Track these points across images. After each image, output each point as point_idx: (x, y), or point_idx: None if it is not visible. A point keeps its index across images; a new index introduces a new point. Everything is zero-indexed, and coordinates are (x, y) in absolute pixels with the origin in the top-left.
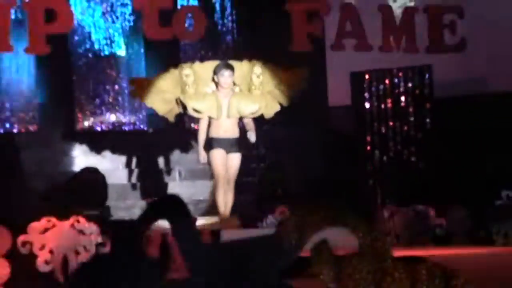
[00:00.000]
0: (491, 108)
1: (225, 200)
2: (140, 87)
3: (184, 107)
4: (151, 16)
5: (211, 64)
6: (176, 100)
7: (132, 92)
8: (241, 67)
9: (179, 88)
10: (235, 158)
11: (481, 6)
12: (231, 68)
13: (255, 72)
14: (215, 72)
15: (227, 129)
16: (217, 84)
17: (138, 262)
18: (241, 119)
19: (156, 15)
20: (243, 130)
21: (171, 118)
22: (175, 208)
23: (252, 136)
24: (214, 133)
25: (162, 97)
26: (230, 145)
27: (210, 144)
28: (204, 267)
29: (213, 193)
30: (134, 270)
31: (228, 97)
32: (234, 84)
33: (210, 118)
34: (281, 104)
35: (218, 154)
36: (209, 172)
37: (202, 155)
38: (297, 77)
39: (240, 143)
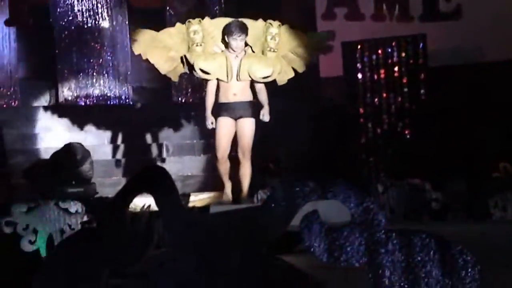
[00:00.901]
0: (488, 78)
1: (241, 174)
2: (144, 41)
3: (191, 67)
4: None
5: (222, 21)
6: (182, 58)
7: (135, 45)
8: (255, 26)
9: (185, 46)
10: (247, 124)
11: None
12: (244, 30)
13: (270, 32)
14: (226, 32)
15: (236, 92)
16: (227, 44)
17: (121, 237)
18: (252, 84)
19: None
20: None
21: (175, 78)
22: (159, 180)
23: (265, 116)
24: (223, 98)
25: (167, 55)
26: (241, 110)
27: (217, 110)
28: (189, 241)
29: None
30: (116, 245)
31: (239, 59)
32: (246, 44)
33: (218, 81)
34: (295, 71)
35: (224, 123)
36: (197, 147)
37: (210, 119)
38: (316, 41)
39: (253, 107)
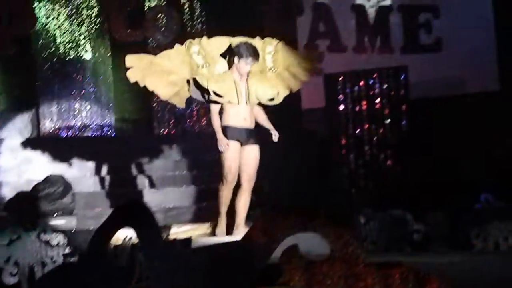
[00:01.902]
0: (468, 109)
1: (240, 204)
2: (140, 67)
3: (201, 90)
4: (119, 17)
5: (219, 41)
6: (188, 81)
7: (130, 72)
8: (254, 44)
9: (187, 68)
10: (254, 151)
11: (457, 5)
12: (257, 55)
13: (268, 50)
14: (237, 54)
15: (246, 117)
16: (230, 64)
17: (103, 270)
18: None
19: (125, 16)
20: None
21: (180, 103)
22: (139, 215)
23: (275, 136)
24: (232, 121)
25: (167, 79)
26: (249, 135)
27: (225, 134)
28: (170, 275)
29: (218, 195)
30: (99, 279)
31: (244, 80)
32: None
33: (224, 104)
34: (290, 90)
35: (234, 147)
36: (179, 179)
37: (225, 141)
38: (312, 60)
39: (257, 134)
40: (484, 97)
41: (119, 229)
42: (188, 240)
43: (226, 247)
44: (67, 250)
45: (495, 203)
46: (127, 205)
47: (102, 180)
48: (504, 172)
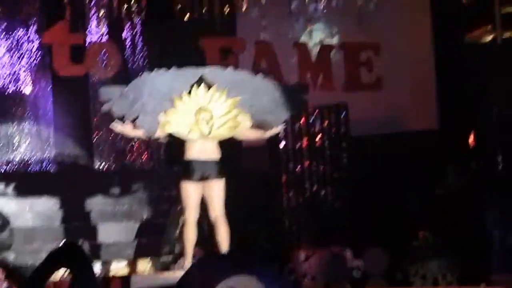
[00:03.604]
0: (407, 147)
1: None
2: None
3: None
4: (61, 52)
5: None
6: None
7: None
8: None
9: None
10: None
11: (397, 44)
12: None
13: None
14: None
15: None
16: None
17: None
18: None
19: (67, 51)
20: None
21: None
22: (74, 256)
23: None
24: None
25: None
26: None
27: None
28: None
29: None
30: None
31: None
32: None
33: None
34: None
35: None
36: (119, 214)
37: None
38: None
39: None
40: (423, 135)
41: (55, 270)
42: (127, 277)
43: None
44: (5, 285)
45: (434, 241)
46: (64, 247)
47: (40, 215)
48: (442, 209)
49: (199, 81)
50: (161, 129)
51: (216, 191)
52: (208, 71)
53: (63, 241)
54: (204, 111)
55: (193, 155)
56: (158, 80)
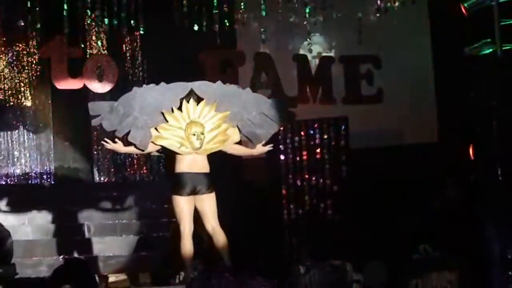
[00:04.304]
0: (408, 160)
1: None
2: None
3: None
4: (59, 65)
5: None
6: None
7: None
8: None
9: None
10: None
11: (397, 57)
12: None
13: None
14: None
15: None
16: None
17: None
18: None
19: (65, 64)
20: None
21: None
22: (78, 272)
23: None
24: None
25: None
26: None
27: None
28: None
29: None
30: None
31: None
32: None
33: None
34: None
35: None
36: (119, 227)
37: None
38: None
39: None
40: (423, 148)
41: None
42: None
43: None
44: None
45: (433, 254)
46: (68, 264)
47: (41, 228)
48: (442, 222)
49: (189, 95)
50: (153, 143)
51: (207, 204)
52: (198, 85)
53: (62, 256)
54: (195, 125)
55: (183, 169)
56: (148, 95)
